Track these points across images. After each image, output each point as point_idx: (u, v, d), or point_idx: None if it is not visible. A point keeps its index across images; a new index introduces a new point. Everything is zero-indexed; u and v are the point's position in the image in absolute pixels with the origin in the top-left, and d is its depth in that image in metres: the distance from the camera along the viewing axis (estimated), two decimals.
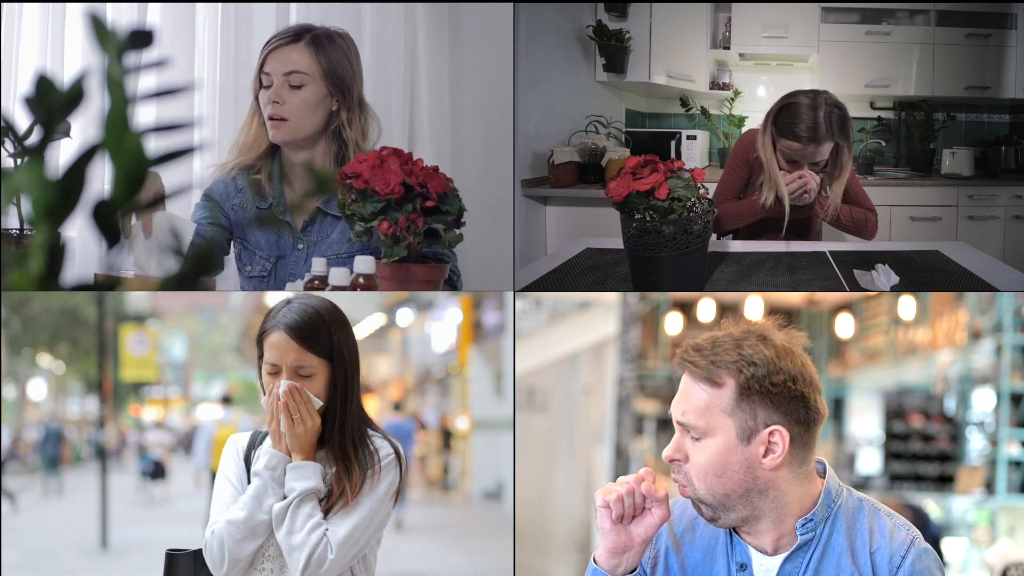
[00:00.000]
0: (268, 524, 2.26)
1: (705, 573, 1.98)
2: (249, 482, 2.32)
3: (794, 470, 1.89)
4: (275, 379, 2.28)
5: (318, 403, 2.28)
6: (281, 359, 2.26)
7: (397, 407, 14.25)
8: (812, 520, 1.91)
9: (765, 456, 1.87)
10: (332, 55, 3.31)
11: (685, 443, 1.91)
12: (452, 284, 3.29)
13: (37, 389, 29.21)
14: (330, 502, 2.27)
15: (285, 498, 2.27)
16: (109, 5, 4.19)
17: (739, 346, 1.88)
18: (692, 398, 1.90)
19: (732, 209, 4.24)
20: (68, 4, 4.22)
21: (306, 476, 2.26)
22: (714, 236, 4.22)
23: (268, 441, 2.33)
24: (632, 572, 1.93)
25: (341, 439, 2.29)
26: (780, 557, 1.92)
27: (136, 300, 25.95)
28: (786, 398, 1.86)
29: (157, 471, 16.96)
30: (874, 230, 4.31)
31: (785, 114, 4.01)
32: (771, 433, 1.86)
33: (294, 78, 3.28)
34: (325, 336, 2.27)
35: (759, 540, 1.94)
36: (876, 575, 1.89)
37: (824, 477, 1.95)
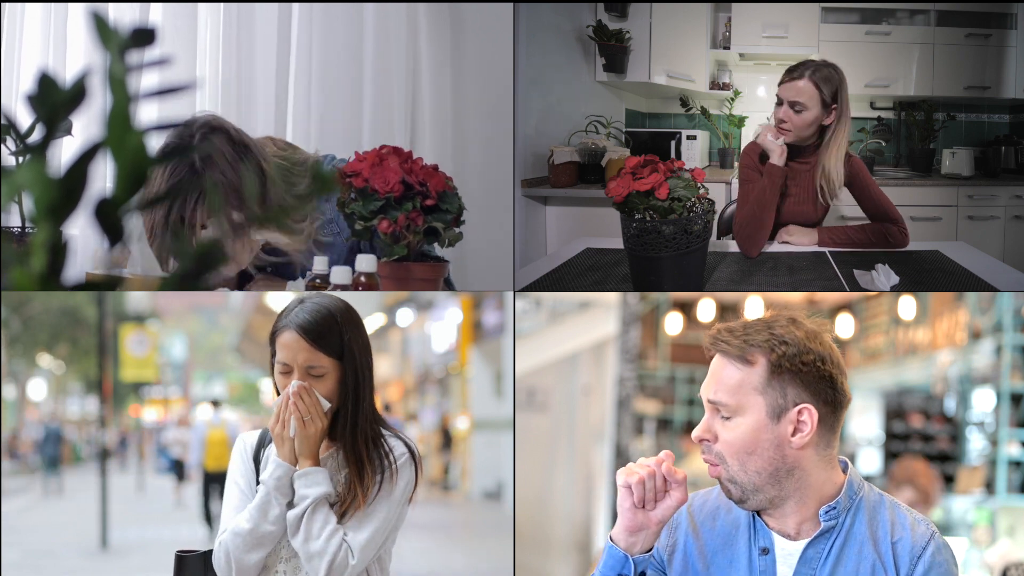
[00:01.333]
0: (274, 534, 2.25)
1: (725, 559, 2.01)
2: (258, 483, 2.31)
3: (819, 452, 1.93)
4: (287, 378, 2.26)
5: (327, 405, 2.26)
6: (292, 359, 2.25)
7: (386, 408, 14.24)
8: (835, 508, 1.95)
9: (794, 435, 1.91)
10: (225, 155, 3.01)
11: (715, 423, 1.94)
12: (447, 282, 3.30)
13: (37, 389, 29.22)
14: (344, 506, 2.26)
15: (293, 505, 2.25)
16: (111, 4, 4.20)
17: (770, 327, 1.93)
18: (724, 377, 1.93)
19: (748, 207, 4.16)
20: (70, 3, 4.22)
21: (316, 482, 2.24)
22: (775, 244, 4.24)
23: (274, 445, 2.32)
24: (648, 551, 1.95)
25: (353, 441, 2.27)
26: (803, 542, 1.96)
27: (136, 300, 25.96)
28: (815, 377, 1.91)
29: (178, 471, 15.79)
30: (899, 237, 4.24)
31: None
32: (800, 412, 1.91)
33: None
34: (336, 336, 2.26)
35: (782, 524, 1.97)
36: (897, 564, 1.93)
37: (847, 473, 1.99)
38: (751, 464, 1.92)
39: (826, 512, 1.94)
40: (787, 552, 1.97)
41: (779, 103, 4.10)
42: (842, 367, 1.95)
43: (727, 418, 1.93)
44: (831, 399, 1.92)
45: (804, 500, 1.95)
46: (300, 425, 2.24)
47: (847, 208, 4.70)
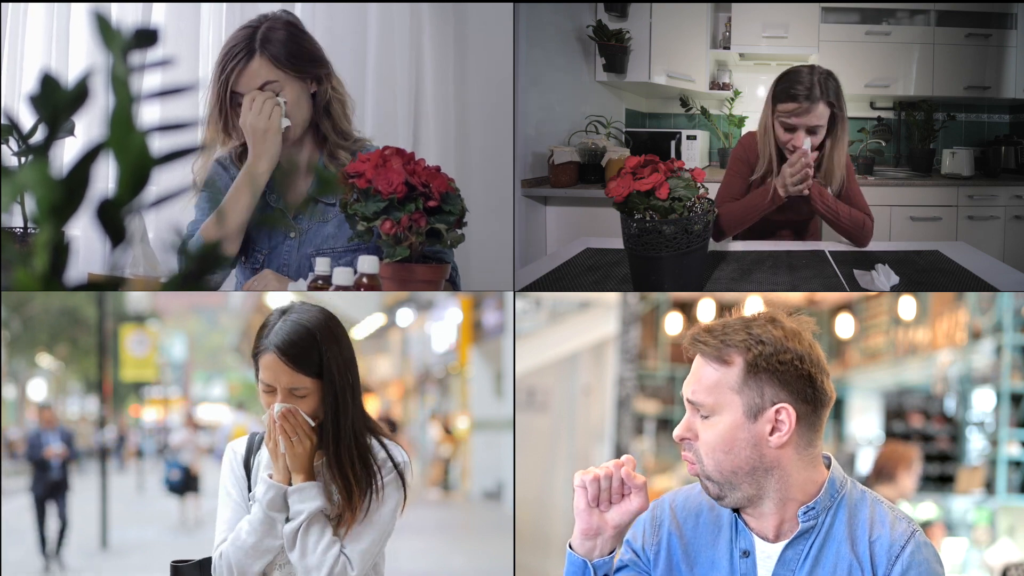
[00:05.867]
0: (277, 547, 2.28)
1: (707, 560, 2.00)
2: (250, 488, 2.33)
3: (800, 451, 1.93)
4: (271, 397, 2.28)
5: (313, 423, 2.28)
6: (275, 381, 2.27)
7: (392, 427, 14.13)
8: (814, 508, 1.94)
9: (772, 434, 1.91)
10: (289, 48, 3.28)
11: (695, 422, 1.95)
12: (453, 282, 3.30)
13: (37, 389, 29.19)
14: (340, 519, 2.28)
15: (289, 520, 2.27)
16: (114, 4, 4.20)
17: (748, 327, 1.93)
18: (702, 377, 1.94)
19: (735, 208, 4.22)
20: (72, 3, 4.22)
21: (311, 497, 2.26)
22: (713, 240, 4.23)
23: (265, 451, 2.34)
24: (609, 554, 1.95)
25: (338, 458, 2.28)
26: (781, 544, 1.95)
27: (136, 300, 25.96)
28: (793, 377, 1.90)
29: (186, 482, 12.78)
30: (869, 235, 4.28)
31: (783, 81, 4.09)
32: (778, 411, 1.90)
33: (267, 89, 3.24)
34: (315, 355, 2.26)
35: (761, 524, 1.96)
36: (874, 563, 1.91)
37: (830, 470, 1.97)
38: (727, 463, 1.91)
39: (804, 513, 1.93)
40: (767, 554, 1.96)
41: (790, 129, 4.05)
42: (822, 366, 1.93)
43: (706, 417, 1.93)
44: (810, 398, 1.91)
45: (784, 499, 1.94)
46: (288, 445, 2.26)
47: None
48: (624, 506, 1.95)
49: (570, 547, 1.96)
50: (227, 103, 3.27)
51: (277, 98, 3.23)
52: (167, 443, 15.20)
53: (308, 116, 3.30)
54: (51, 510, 9.94)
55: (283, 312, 2.29)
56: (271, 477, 2.30)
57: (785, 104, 4.04)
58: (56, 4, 4.20)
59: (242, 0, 4.27)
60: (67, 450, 10.07)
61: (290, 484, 2.28)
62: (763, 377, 1.90)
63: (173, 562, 2.38)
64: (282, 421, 2.25)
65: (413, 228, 2.85)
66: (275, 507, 2.27)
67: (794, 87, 4.03)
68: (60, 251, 1.13)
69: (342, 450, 2.28)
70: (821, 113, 4.02)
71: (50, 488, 9.92)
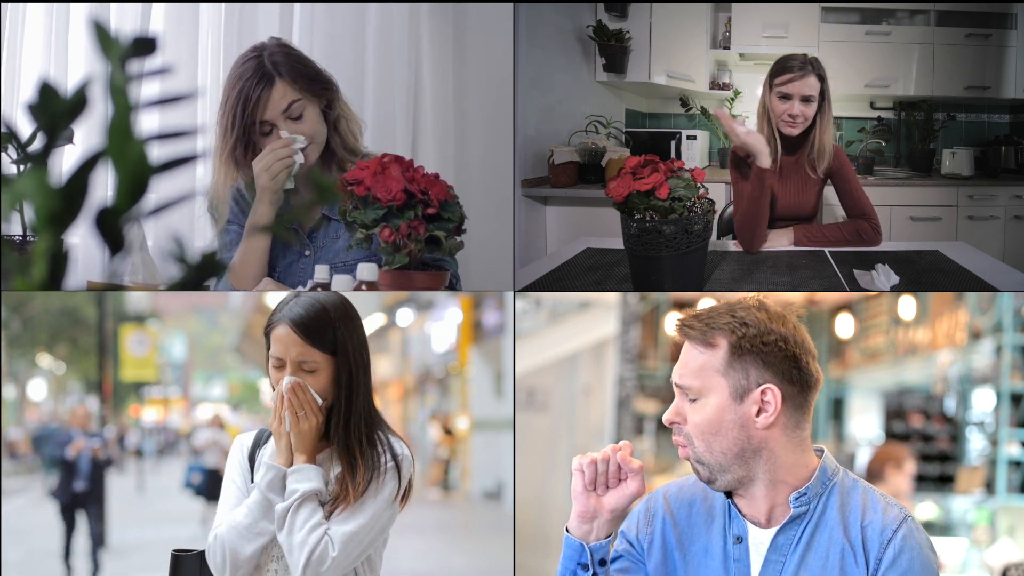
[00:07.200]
0: (271, 531, 2.27)
1: (701, 549, 2.02)
2: (253, 480, 2.33)
3: (788, 433, 1.94)
4: (280, 373, 2.28)
5: (319, 401, 2.28)
6: (285, 353, 2.27)
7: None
8: (806, 494, 1.95)
9: (758, 415, 1.93)
10: (299, 70, 3.28)
11: (683, 406, 1.97)
12: (453, 288, 3.30)
13: (37, 389, 29.21)
14: (335, 503, 2.27)
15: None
16: (113, 7, 4.19)
17: (733, 310, 1.96)
18: (689, 361, 1.97)
19: (748, 201, 4.23)
20: (71, 6, 4.21)
21: (308, 478, 2.26)
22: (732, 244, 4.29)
23: (271, 445, 2.34)
24: (606, 538, 1.97)
25: (346, 436, 2.29)
26: (773, 529, 1.97)
27: (136, 300, 25.96)
28: (778, 358, 1.92)
29: (211, 486, 11.71)
30: (871, 235, 4.33)
31: (778, 64, 4.35)
32: (763, 392, 1.92)
33: (294, 109, 3.24)
34: (329, 332, 2.27)
35: (753, 508, 1.98)
36: (866, 548, 1.92)
37: (822, 458, 1.99)
38: (716, 444, 1.93)
39: (796, 498, 1.95)
40: (759, 540, 1.98)
41: (784, 98, 4.25)
42: (808, 347, 1.95)
43: (693, 400, 1.95)
44: (796, 379, 1.93)
45: (774, 482, 1.95)
46: (294, 421, 2.26)
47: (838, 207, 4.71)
48: (621, 490, 1.96)
49: (567, 530, 1.98)
50: (253, 134, 3.24)
51: (296, 144, 3.20)
52: (192, 445, 14.38)
53: (325, 134, 3.31)
54: (80, 520, 9.08)
55: (297, 294, 2.33)
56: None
57: (781, 76, 4.26)
58: (55, 11, 4.19)
59: (241, 0, 4.26)
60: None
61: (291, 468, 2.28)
62: (748, 359, 1.92)
63: (174, 551, 2.38)
64: (290, 395, 2.25)
65: (412, 235, 2.85)
66: (273, 489, 2.26)
67: (788, 62, 4.29)
68: (59, 259, 1.13)
69: (351, 428, 2.28)
70: (813, 84, 4.24)
71: (73, 496, 9.00)
